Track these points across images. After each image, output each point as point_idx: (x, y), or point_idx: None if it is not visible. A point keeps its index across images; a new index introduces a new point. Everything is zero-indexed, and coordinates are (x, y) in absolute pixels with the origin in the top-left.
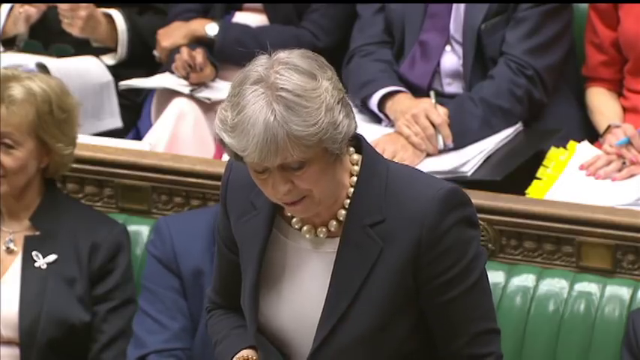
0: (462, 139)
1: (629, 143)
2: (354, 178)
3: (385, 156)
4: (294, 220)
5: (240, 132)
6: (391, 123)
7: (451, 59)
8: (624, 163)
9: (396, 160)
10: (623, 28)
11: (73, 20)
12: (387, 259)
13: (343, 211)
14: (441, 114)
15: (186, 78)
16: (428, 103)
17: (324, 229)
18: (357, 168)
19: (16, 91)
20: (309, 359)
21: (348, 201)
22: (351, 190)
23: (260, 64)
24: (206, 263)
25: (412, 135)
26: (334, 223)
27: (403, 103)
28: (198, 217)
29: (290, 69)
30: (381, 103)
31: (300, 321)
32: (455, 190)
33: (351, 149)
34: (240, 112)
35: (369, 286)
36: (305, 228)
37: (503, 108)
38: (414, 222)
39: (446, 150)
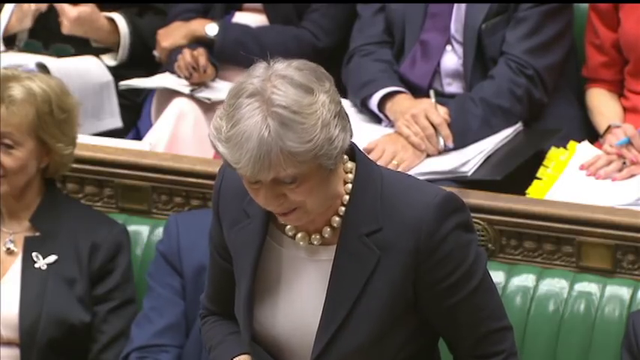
0: (462, 139)
1: (629, 143)
2: (349, 186)
3: (385, 156)
4: (288, 227)
5: (233, 145)
6: (391, 123)
7: (451, 59)
8: (624, 163)
9: (396, 160)
10: (623, 30)
11: (62, 20)
12: (385, 268)
13: (337, 218)
14: (440, 114)
15: (187, 78)
16: (427, 104)
17: (317, 236)
18: (351, 176)
19: (16, 91)
20: None
21: (343, 208)
22: (346, 197)
23: (256, 76)
24: None
25: (412, 135)
26: (328, 229)
27: (403, 104)
28: (208, 214)
29: (287, 83)
30: (381, 104)
31: (296, 329)
32: (450, 196)
33: (345, 157)
34: (234, 126)
35: (367, 295)
36: (299, 235)
37: (503, 107)
38: (411, 230)
39: (446, 150)
